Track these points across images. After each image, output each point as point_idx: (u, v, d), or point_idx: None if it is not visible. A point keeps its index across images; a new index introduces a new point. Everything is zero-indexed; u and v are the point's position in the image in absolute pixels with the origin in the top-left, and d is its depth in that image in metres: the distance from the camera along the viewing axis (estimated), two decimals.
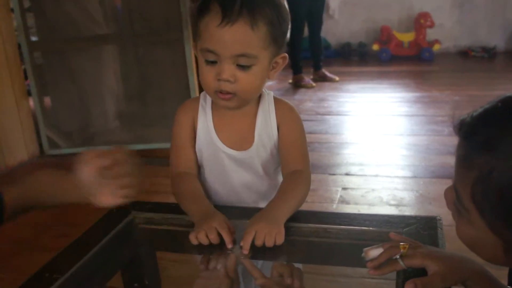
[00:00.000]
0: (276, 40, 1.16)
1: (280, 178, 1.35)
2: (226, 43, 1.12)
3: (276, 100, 1.31)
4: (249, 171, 1.31)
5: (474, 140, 0.77)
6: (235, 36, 1.11)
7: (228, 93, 1.18)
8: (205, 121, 1.30)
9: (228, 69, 1.14)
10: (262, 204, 1.22)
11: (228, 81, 1.15)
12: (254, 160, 1.29)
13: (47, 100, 3.93)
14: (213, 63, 1.16)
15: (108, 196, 1.02)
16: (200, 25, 1.15)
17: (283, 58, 1.23)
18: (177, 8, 3.51)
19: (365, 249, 1.01)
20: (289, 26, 1.22)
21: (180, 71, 3.63)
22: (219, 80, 1.16)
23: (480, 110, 0.78)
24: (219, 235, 1.11)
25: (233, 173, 1.31)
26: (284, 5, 1.20)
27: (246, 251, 1.08)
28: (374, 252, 1.00)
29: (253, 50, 1.14)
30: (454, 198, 0.82)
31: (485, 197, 0.74)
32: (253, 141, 1.27)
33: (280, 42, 1.18)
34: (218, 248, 1.11)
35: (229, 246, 1.10)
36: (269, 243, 1.08)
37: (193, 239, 1.12)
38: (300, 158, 1.29)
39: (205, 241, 1.11)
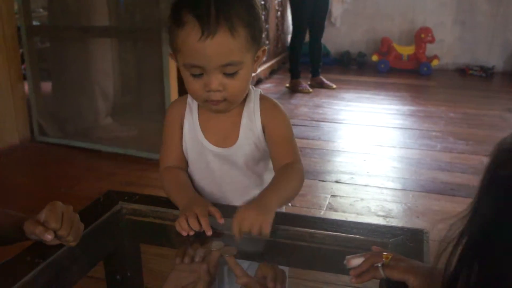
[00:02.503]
0: (255, 38, 1.16)
1: (265, 175, 1.36)
2: (210, 56, 1.10)
3: (262, 98, 1.31)
4: (233, 168, 1.31)
5: None
6: (217, 48, 1.09)
7: (218, 100, 1.18)
8: (191, 120, 1.31)
9: (216, 79, 1.14)
10: (246, 200, 1.22)
11: (217, 90, 1.16)
12: (237, 157, 1.29)
13: (43, 86, 3.91)
14: (199, 75, 1.15)
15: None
16: (178, 39, 1.13)
17: (263, 51, 1.23)
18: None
19: (348, 257, 1.01)
20: (263, 18, 1.21)
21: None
22: (208, 91, 1.16)
23: None
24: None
25: (217, 170, 1.32)
26: None
27: (237, 236, 1.08)
28: (355, 260, 1.00)
29: (237, 57, 1.13)
30: None
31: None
32: (237, 138, 1.28)
33: (259, 38, 1.18)
34: (200, 244, 1.11)
35: (208, 233, 1.11)
36: (255, 231, 1.07)
37: (178, 227, 1.14)
38: (290, 152, 1.29)
39: (186, 228, 1.12)
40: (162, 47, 3.29)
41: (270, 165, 1.35)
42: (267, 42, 5.75)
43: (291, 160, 1.28)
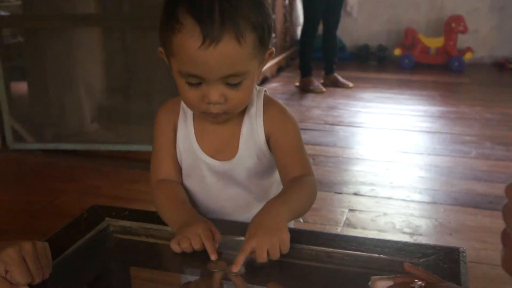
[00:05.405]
0: (263, 42, 1.14)
1: (271, 189, 1.36)
2: (211, 67, 1.08)
3: (266, 102, 1.30)
4: (233, 183, 1.32)
5: None
6: (221, 57, 1.07)
7: (217, 113, 1.18)
8: (185, 127, 1.31)
9: (216, 91, 1.12)
10: (247, 217, 1.21)
11: (217, 103, 1.14)
12: (237, 171, 1.29)
13: (17, 87, 3.91)
14: (197, 84, 1.13)
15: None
16: (173, 42, 1.10)
17: (270, 53, 1.21)
18: None
19: (373, 277, 1.00)
20: (271, 13, 1.19)
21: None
22: (207, 103, 1.15)
23: None
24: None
25: (215, 185, 1.32)
26: None
27: (236, 268, 1.05)
28: (382, 283, 0.99)
29: (242, 66, 1.11)
30: None
31: None
32: (237, 150, 1.28)
33: (267, 41, 1.16)
34: (201, 264, 1.11)
35: (213, 257, 1.10)
36: (275, 256, 1.07)
37: (175, 246, 1.12)
38: (300, 164, 1.29)
39: (189, 249, 1.11)
40: None
41: (276, 176, 1.36)
42: (273, 35, 5.76)
43: (301, 173, 1.28)
